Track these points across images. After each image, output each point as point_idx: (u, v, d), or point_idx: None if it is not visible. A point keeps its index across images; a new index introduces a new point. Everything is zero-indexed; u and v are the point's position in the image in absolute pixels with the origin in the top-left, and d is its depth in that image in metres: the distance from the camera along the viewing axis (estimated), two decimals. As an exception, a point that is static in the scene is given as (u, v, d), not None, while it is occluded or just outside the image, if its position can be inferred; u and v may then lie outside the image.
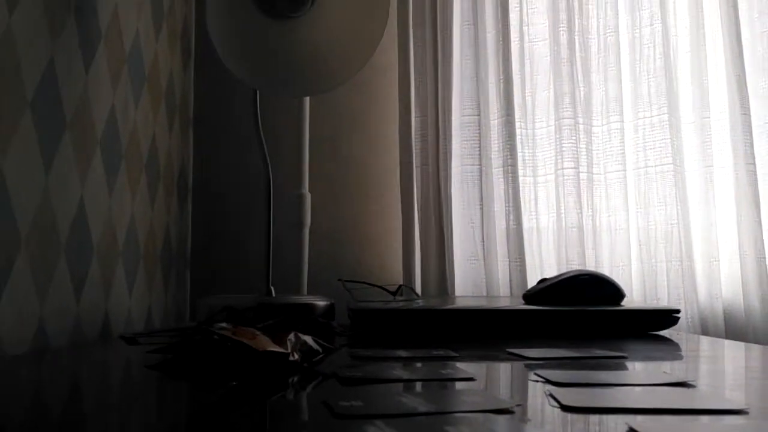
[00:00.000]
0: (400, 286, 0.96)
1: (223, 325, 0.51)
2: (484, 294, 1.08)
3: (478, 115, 1.11)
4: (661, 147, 1.08)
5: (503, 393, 0.37)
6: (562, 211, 1.09)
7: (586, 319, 0.74)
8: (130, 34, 0.86)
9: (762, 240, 1.03)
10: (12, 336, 0.59)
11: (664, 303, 1.05)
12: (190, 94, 1.15)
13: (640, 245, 1.08)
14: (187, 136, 1.12)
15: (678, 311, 0.75)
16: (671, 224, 1.07)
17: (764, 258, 1.03)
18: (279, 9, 0.83)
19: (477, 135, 1.10)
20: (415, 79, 1.11)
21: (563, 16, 1.11)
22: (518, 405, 0.33)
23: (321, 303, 0.84)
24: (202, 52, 1.16)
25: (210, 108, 1.16)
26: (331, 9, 0.85)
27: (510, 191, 1.08)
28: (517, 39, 1.13)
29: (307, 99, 1.12)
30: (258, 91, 0.88)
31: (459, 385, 0.39)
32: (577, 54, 1.11)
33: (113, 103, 0.81)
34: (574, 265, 1.07)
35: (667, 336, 0.72)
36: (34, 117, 0.62)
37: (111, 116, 0.80)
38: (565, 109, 1.10)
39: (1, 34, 0.58)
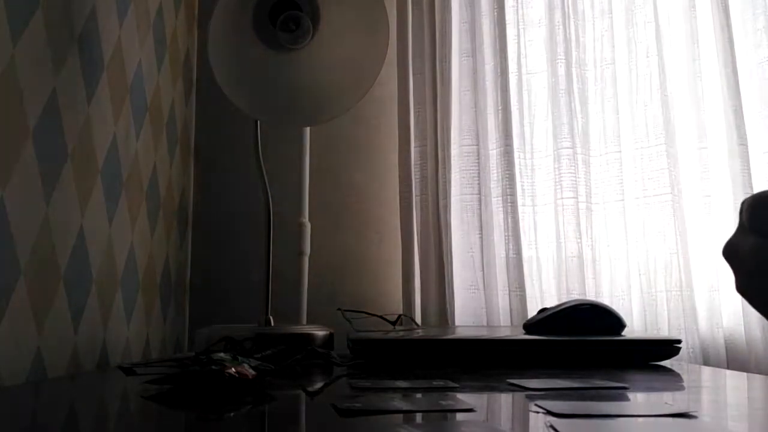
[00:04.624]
0: (400, 315, 0.95)
1: (222, 355, 0.51)
2: (485, 323, 1.07)
3: (477, 144, 1.11)
4: (659, 177, 1.09)
5: (504, 424, 0.37)
6: (562, 240, 1.09)
7: (586, 349, 0.74)
8: (132, 64, 0.87)
9: (762, 269, 1.03)
10: (9, 366, 0.59)
11: (664, 333, 1.05)
12: (191, 123, 1.15)
13: (639, 275, 1.08)
14: (187, 165, 1.13)
15: (679, 341, 0.75)
16: (671, 254, 1.06)
17: (764, 287, 1.02)
18: (280, 41, 0.84)
19: (476, 164, 1.11)
20: (414, 110, 1.12)
21: (560, 48, 1.12)
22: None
23: (320, 333, 0.83)
24: (203, 83, 1.17)
25: (211, 138, 1.17)
26: (332, 41, 0.87)
27: (509, 220, 1.08)
28: (515, 70, 1.14)
29: (308, 129, 1.12)
30: (259, 121, 0.89)
31: (459, 416, 0.39)
32: (575, 85, 1.12)
33: (114, 133, 0.81)
34: (575, 295, 1.06)
35: (669, 366, 0.71)
36: (36, 147, 0.63)
37: (112, 146, 0.81)
38: (563, 139, 1.11)
39: (4, 64, 0.58)
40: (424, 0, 1.14)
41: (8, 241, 0.59)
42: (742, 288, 0.40)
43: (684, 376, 0.62)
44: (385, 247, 1.15)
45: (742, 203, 0.41)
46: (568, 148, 1.10)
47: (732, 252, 0.41)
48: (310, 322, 1.05)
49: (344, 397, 0.44)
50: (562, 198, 1.10)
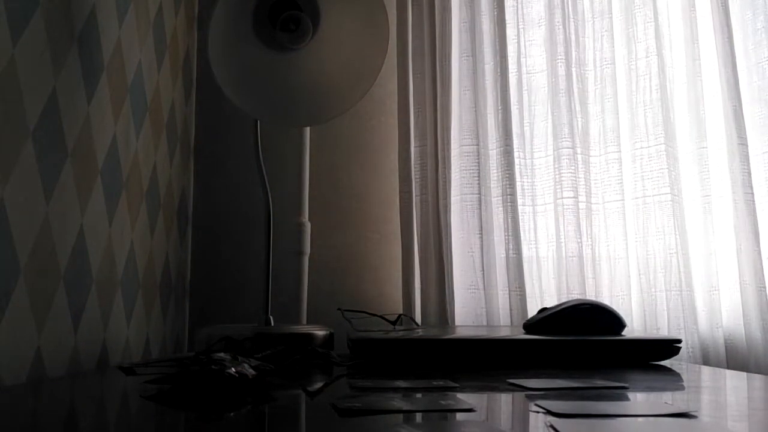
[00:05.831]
0: (400, 315, 0.95)
1: (221, 355, 0.51)
2: (485, 323, 1.07)
3: (477, 144, 1.11)
4: (658, 177, 1.09)
5: (504, 424, 0.37)
6: (562, 240, 1.09)
7: (586, 348, 0.74)
8: (132, 64, 0.87)
9: (762, 269, 1.03)
10: (9, 365, 0.59)
11: (664, 332, 1.05)
12: (191, 123, 1.15)
13: (639, 275, 1.08)
14: (187, 165, 1.13)
15: (679, 341, 0.75)
16: (670, 254, 1.07)
17: (764, 287, 1.02)
18: (280, 41, 0.84)
19: (476, 164, 1.11)
20: (414, 109, 1.12)
21: (560, 48, 1.12)
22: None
23: (320, 332, 0.83)
24: (203, 83, 1.17)
25: (211, 138, 1.17)
26: (332, 41, 0.87)
27: (509, 220, 1.08)
28: (515, 70, 1.14)
29: (307, 129, 1.12)
30: (258, 121, 0.89)
31: (459, 416, 0.39)
32: (575, 85, 1.12)
33: (115, 133, 0.81)
34: (575, 295, 1.06)
35: (669, 366, 0.71)
36: (36, 146, 0.63)
37: (112, 146, 0.81)
38: (563, 139, 1.11)
39: (4, 63, 0.58)
40: (424, 0, 1.14)
41: (8, 241, 0.59)
42: None
43: (684, 376, 0.62)
44: (385, 247, 1.15)
45: None
46: (568, 148, 1.10)
47: None
48: (310, 322, 1.05)
49: (344, 397, 0.44)
50: (562, 198, 1.10)
